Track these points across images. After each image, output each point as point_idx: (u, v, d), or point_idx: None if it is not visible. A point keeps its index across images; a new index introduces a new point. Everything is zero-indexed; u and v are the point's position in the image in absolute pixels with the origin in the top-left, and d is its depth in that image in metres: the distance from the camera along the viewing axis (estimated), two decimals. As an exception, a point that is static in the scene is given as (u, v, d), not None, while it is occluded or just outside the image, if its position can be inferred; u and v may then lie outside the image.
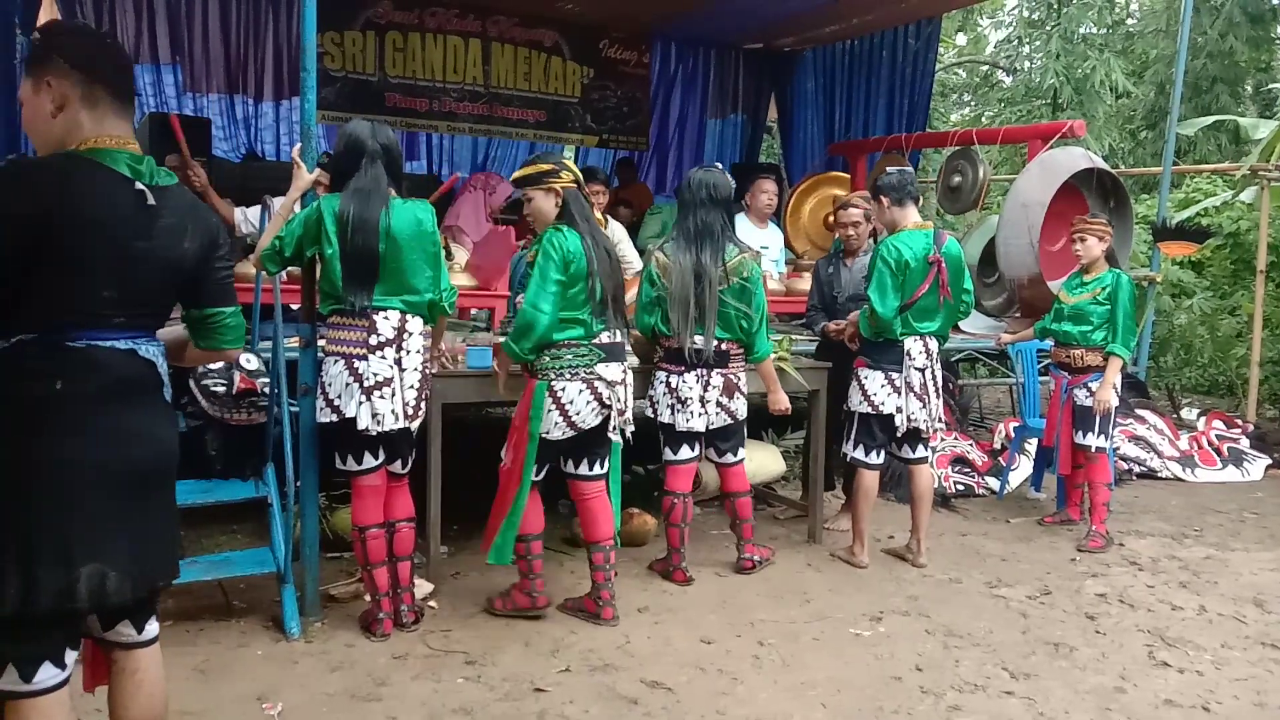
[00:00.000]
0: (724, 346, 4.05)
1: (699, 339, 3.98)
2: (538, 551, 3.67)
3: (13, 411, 1.92)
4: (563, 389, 3.47)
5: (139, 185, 1.98)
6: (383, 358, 3.28)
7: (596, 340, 3.56)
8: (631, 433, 3.74)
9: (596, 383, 3.52)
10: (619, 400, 3.59)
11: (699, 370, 4.02)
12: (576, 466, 3.70)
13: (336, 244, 3.26)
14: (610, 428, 3.61)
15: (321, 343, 3.42)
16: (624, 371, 3.64)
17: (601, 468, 3.71)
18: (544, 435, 3.49)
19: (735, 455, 4.20)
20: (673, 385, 4.05)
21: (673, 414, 4.06)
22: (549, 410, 3.47)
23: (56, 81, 1.96)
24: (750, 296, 4.05)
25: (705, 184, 4.02)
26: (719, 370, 4.04)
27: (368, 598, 3.56)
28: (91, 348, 1.96)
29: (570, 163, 3.62)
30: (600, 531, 3.69)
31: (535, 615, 3.66)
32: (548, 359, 3.48)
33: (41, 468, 1.92)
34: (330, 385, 3.32)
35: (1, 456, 1.92)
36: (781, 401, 4.35)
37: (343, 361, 3.29)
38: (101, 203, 1.94)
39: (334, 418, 3.32)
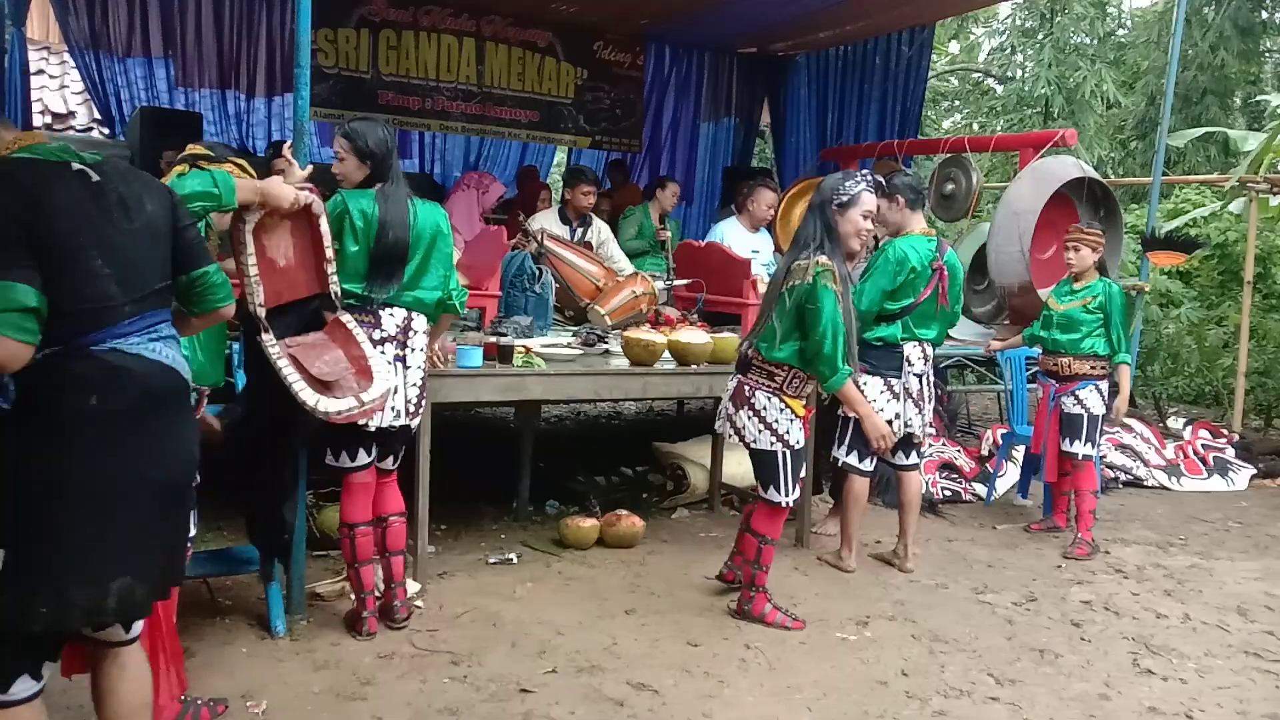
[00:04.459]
0: (746, 351, 3.67)
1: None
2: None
3: (45, 427, 1.88)
4: None
5: (75, 166, 1.96)
6: (382, 353, 3.28)
7: None
8: None
9: None
10: None
11: (734, 374, 3.76)
12: None
13: (363, 241, 3.26)
14: None
15: None
16: None
17: None
18: None
19: (765, 491, 3.64)
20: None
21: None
22: None
23: None
24: (789, 314, 3.50)
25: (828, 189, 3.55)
26: (738, 375, 3.69)
27: (353, 596, 3.54)
28: (116, 353, 1.93)
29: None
30: None
31: None
32: None
33: (75, 484, 1.89)
34: None
35: (34, 472, 1.88)
36: (875, 427, 3.74)
37: None
38: (55, 192, 1.91)
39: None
